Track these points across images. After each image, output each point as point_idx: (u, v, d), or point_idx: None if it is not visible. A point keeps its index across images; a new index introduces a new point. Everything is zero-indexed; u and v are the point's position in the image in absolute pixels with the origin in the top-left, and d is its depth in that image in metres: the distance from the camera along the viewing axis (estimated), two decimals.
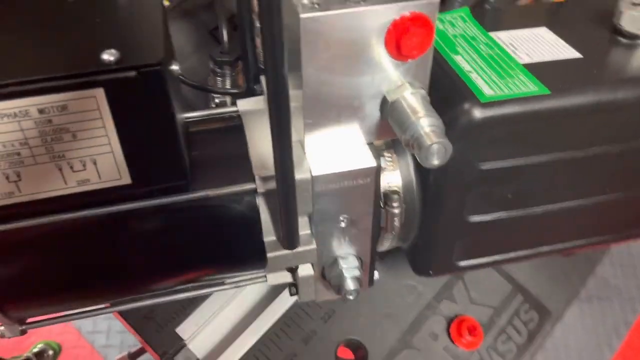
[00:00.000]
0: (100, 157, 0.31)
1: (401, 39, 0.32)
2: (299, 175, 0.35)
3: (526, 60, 0.39)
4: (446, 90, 0.37)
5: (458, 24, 0.43)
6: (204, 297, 0.49)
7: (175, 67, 0.35)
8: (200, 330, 0.48)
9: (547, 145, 0.37)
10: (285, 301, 0.49)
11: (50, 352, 0.79)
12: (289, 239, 0.37)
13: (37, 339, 1.07)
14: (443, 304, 0.52)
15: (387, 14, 0.32)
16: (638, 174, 0.41)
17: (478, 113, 0.35)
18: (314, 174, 0.35)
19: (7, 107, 0.28)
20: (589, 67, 0.38)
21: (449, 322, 0.51)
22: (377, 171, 0.36)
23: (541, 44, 0.41)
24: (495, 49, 0.40)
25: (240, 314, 0.50)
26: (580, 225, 0.44)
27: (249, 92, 0.46)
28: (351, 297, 0.40)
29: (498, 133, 0.36)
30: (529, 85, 0.36)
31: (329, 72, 0.33)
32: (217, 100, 0.43)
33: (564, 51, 0.40)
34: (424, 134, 0.32)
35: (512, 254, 0.44)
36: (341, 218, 0.38)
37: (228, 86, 0.47)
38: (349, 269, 0.40)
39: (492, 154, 0.37)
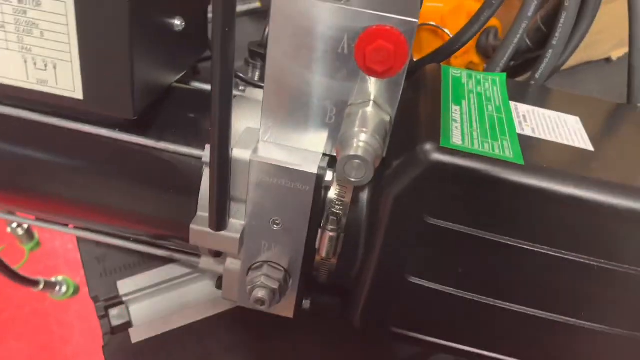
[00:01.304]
0: (60, 63, 0.33)
1: (368, 49, 0.30)
2: (238, 153, 0.35)
3: (527, 132, 0.35)
4: (418, 130, 0.34)
5: (484, 84, 0.40)
6: (152, 265, 0.49)
7: (175, 21, 0.37)
8: (140, 295, 0.48)
9: (506, 226, 0.33)
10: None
11: (64, 288, 0.84)
12: (214, 217, 0.36)
13: (60, 273, 1.15)
14: None
15: (362, 20, 0.31)
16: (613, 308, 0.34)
17: (432, 156, 0.31)
18: (252, 158, 0.34)
19: None
20: (589, 161, 0.33)
21: None
22: (318, 182, 0.34)
23: (557, 127, 0.36)
24: (502, 114, 0.36)
25: (186, 299, 0.49)
26: (541, 346, 0.37)
27: None
28: (259, 307, 0.37)
29: (451, 189, 0.32)
30: (507, 151, 0.32)
31: (294, 62, 0.32)
32: (241, 87, 0.45)
33: (577, 141, 0.35)
34: (355, 144, 0.30)
35: (456, 345, 0.38)
36: (275, 219, 0.36)
37: (256, 78, 0.48)
38: (269, 277, 0.37)
39: (443, 212, 0.33)
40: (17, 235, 0.83)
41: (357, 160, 0.29)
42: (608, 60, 0.63)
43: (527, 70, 0.47)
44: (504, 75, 0.41)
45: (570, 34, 0.40)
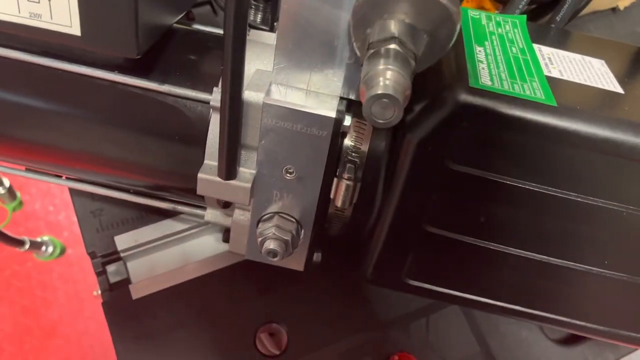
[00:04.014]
0: None
1: None
2: (249, 96, 0.32)
3: (554, 74, 0.33)
4: (442, 71, 0.32)
5: (504, 26, 0.38)
6: (150, 220, 0.47)
7: None
8: (139, 251, 0.46)
9: (538, 173, 0.31)
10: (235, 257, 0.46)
11: (50, 249, 0.81)
12: (224, 165, 0.34)
13: (46, 233, 1.12)
14: (393, 332, 0.45)
15: None
16: None
17: (461, 98, 0.30)
18: (265, 100, 0.32)
19: None
20: (621, 103, 0.32)
21: (390, 352, 0.45)
22: (336, 127, 0.32)
23: (583, 69, 0.35)
24: (527, 55, 0.35)
25: (187, 255, 0.48)
26: (567, 296, 0.37)
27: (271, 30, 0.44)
28: (270, 259, 0.36)
29: (481, 132, 0.30)
30: (537, 92, 0.31)
31: None
32: None
33: (605, 83, 0.33)
34: (381, 82, 0.28)
35: (475, 297, 0.37)
36: (288, 168, 0.34)
37: (258, 20, 0.45)
38: (281, 228, 0.36)
39: (469, 157, 0.31)
40: None
41: (385, 100, 0.27)
42: (614, 10, 0.61)
43: (543, 14, 0.45)
44: (524, 17, 0.39)
45: None
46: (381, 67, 0.29)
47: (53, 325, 1.28)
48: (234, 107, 0.31)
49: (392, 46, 0.30)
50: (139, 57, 0.32)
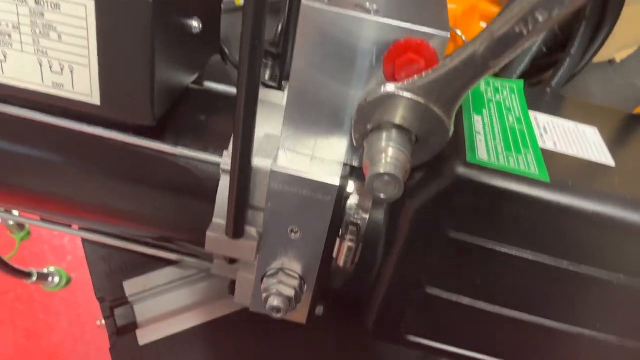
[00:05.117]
0: (77, 67, 0.32)
1: (398, 63, 0.30)
2: (258, 162, 0.34)
3: (548, 146, 0.35)
4: None
5: (502, 92, 0.40)
6: (158, 266, 0.48)
7: (194, 23, 0.36)
8: (146, 295, 0.48)
9: (532, 242, 0.33)
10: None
11: (57, 279, 0.83)
12: (232, 225, 0.35)
13: (46, 260, 1.13)
14: None
15: (392, 33, 0.30)
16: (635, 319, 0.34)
17: (459, 172, 0.31)
18: (273, 168, 0.34)
19: None
20: (611, 176, 0.33)
21: None
22: (339, 193, 0.34)
23: (577, 140, 0.36)
24: (523, 125, 0.36)
25: (193, 300, 0.49)
26: (561, 356, 0.38)
27: (279, 89, 0.46)
28: (274, 314, 0.37)
29: (477, 204, 0.32)
30: (532, 167, 0.32)
31: (319, 71, 0.32)
32: None
33: (598, 155, 0.35)
34: (383, 159, 0.29)
35: (474, 354, 0.39)
36: (293, 228, 0.36)
37: (267, 77, 0.47)
38: (284, 285, 0.37)
39: (465, 226, 0.33)
40: (7, 226, 0.82)
41: (387, 177, 0.29)
42: (611, 62, 0.63)
43: (539, 75, 0.46)
44: (522, 82, 0.41)
45: (589, 43, 0.40)
46: (383, 144, 0.30)
47: (55, 349, 1.29)
48: (243, 173, 0.33)
49: (395, 122, 0.32)
50: (154, 124, 0.34)
